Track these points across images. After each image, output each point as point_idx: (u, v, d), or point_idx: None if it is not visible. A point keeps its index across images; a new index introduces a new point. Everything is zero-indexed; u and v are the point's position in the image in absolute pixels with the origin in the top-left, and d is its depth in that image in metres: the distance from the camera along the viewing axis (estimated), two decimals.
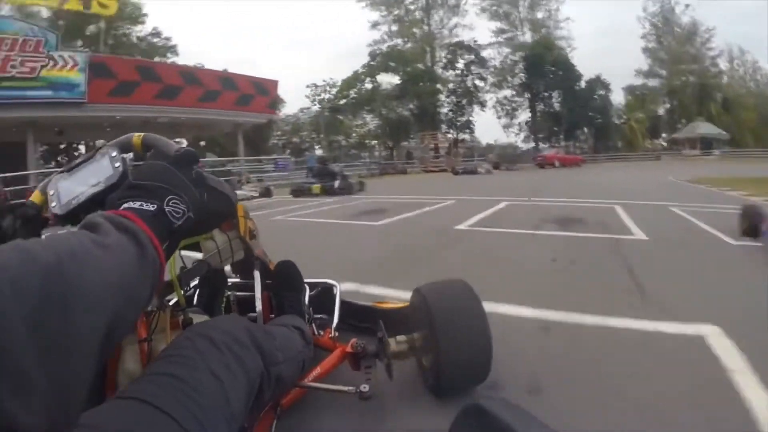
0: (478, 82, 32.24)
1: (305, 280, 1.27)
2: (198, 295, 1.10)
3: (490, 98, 32.59)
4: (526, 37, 32.29)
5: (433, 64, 33.12)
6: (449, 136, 27.81)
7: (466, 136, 31.67)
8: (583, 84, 30.13)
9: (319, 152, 30.99)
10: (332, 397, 1.07)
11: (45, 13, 18.55)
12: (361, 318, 1.44)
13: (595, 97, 30.04)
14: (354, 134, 36.33)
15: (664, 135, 33.02)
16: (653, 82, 32.89)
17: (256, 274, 1.06)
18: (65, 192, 0.63)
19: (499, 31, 32.67)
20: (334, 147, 34.55)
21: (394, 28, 33.96)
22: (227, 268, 1.06)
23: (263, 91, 21.28)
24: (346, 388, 0.97)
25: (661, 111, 33.02)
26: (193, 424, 0.50)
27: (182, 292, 0.83)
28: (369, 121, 36.25)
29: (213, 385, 0.56)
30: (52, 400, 0.30)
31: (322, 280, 1.48)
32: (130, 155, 0.76)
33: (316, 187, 9.37)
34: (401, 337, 1.15)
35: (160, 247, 0.47)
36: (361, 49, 53.66)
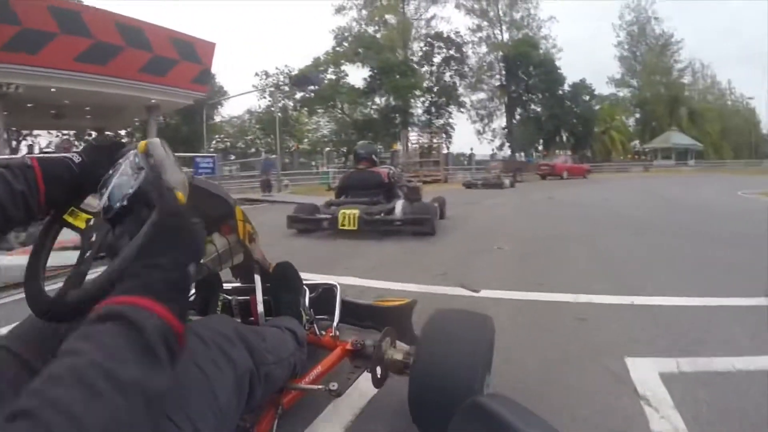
0: (457, 80, 28.88)
1: (306, 282, 1.27)
2: (194, 298, 1.08)
3: (465, 101, 29.62)
4: (505, 36, 30.00)
5: (407, 57, 29.25)
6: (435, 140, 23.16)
7: (443, 142, 27.81)
8: (566, 88, 28.13)
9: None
10: (334, 398, 1.06)
11: None
12: (363, 317, 1.40)
13: (580, 102, 28.09)
14: (307, 137, 30.79)
15: (633, 145, 32.70)
16: (624, 92, 32.49)
17: (256, 278, 1.07)
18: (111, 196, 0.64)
19: (476, 29, 30.00)
20: (285, 152, 28.97)
21: (364, 12, 29.67)
22: (227, 273, 1.05)
23: (191, 56, 13.69)
24: (316, 387, 0.97)
25: (631, 121, 32.67)
26: (180, 416, 0.51)
27: None
28: (326, 121, 31.23)
29: (199, 379, 0.57)
30: None
31: (322, 281, 1.41)
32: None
33: (349, 216, 4.12)
34: (401, 345, 1.14)
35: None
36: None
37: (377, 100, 29.28)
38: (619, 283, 2.44)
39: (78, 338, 0.39)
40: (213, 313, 1.04)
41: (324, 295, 1.36)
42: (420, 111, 28.57)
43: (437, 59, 29.11)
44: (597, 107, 29.25)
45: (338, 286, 1.37)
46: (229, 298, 1.12)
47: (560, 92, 27.63)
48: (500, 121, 29.93)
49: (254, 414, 0.80)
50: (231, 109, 27.88)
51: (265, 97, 31.96)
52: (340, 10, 29.62)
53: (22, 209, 0.59)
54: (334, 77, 29.62)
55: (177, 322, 0.45)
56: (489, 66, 29.38)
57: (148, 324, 0.41)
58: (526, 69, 27.84)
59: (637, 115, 31.99)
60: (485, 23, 30.22)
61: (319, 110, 30.76)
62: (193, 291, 1.06)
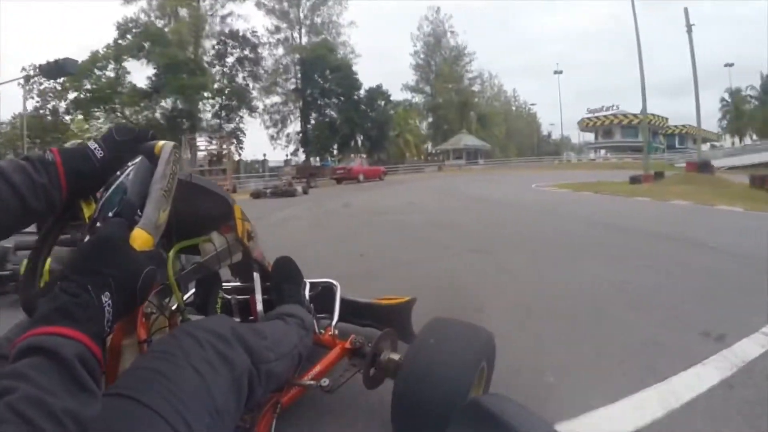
0: (251, 81, 27.57)
1: (307, 281, 1.28)
2: (193, 297, 1.11)
3: (258, 105, 28.59)
4: (303, 39, 29.80)
5: (198, 55, 26.94)
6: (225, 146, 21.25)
7: (230, 147, 26.15)
8: (362, 93, 28.97)
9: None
10: (332, 396, 1.04)
11: None
12: (362, 315, 1.45)
13: (375, 107, 29.19)
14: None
15: (427, 147, 35.61)
16: (418, 97, 35.09)
17: (255, 276, 1.08)
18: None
19: (275, 30, 29.20)
20: None
21: (155, 2, 26.53)
22: (226, 272, 1.07)
23: None
24: (308, 383, 0.95)
25: (424, 125, 35.48)
26: (175, 417, 0.52)
27: (181, 294, 0.82)
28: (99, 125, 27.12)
29: (194, 380, 0.58)
30: None
31: (322, 279, 1.42)
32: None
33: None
34: (395, 356, 1.04)
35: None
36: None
37: (163, 102, 26.37)
38: None
39: (8, 377, 0.40)
40: (212, 312, 1.07)
41: (323, 293, 1.37)
42: (210, 115, 26.50)
43: (230, 59, 27.44)
44: (392, 112, 30.92)
45: (338, 285, 1.38)
46: (228, 297, 1.15)
47: (356, 97, 28.44)
48: (295, 126, 29.83)
49: (253, 413, 0.79)
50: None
51: (32, 98, 26.59)
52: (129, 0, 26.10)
53: (44, 201, 0.59)
54: (113, 75, 25.89)
55: (95, 345, 0.45)
56: (285, 69, 28.85)
57: (67, 352, 0.42)
58: (323, 73, 27.98)
59: (430, 119, 35.02)
60: (284, 25, 29.64)
61: (96, 113, 26.58)
62: (192, 290, 1.13)
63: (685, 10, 15.97)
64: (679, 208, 6.49)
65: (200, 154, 21.83)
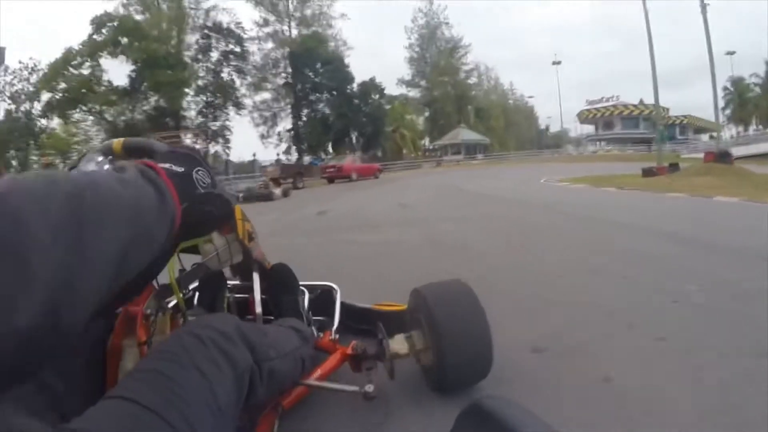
0: (236, 77, 26.13)
1: (306, 283, 1.30)
2: (199, 298, 1.11)
3: (247, 102, 27.27)
4: (293, 32, 28.43)
5: (180, 50, 25.51)
6: (198, 141, 19.82)
7: (219, 148, 24.76)
8: (355, 87, 27.68)
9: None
10: (334, 398, 1.08)
11: None
12: (361, 320, 1.44)
13: (369, 102, 27.87)
14: (76, 150, 24.69)
15: (424, 142, 34.41)
16: (414, 92, 33.83)
17: (255, 276, 1.08)
18: None
19: (264, 23, 27.82)
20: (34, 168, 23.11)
21: None
22: (226, 270, 1.07)
23: None
24: (350, 388, 0.96)
25: (421, 120, 34.21)
26: (177, 419, 0.51)
27: (181, 295, 0.83)
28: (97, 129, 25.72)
29: (198, 380, 0.56)
30: (54, 293, 0.32)
31: (321, 282, 1.45)
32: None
33: None
34: (399, 337, 1.14)
35: (179, 204, 0.49)
36: None
37: (145, 101, 24.96)
38: None
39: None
40: (220, 310, 1.07)
41: (322, 297, 1.39)
42: (194, 113, 25.10)
43: (215, 54, 26.02)
44: (387, 107, 29.66)
45: (338, 289, 1.39)
46: (228, 295, 1.14)
47: (349, 90, 27.11)
48: (285, 123, 28.57)
49: (255, 414, 0.79)
50: None
51: (4, 100, 25.08)
52: None
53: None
54: (87, 73, 24.42)
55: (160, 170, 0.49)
56: (274, 63, 27.50)
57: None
58: (314, 66, 26.69)
59: (427, 114, 33.69)
60: (273, 17, 28.28)
61: (74, 114, 25.17)
62: (192, 286, 1.09)
63: None
64: (730, 206, 5.37)
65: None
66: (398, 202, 7.31)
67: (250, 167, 24.21)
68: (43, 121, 25.27)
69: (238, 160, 25.14)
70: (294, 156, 27.26)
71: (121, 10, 25.41)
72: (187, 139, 20.00)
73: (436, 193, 9.15)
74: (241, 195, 11.78)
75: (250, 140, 49.84)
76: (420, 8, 33.73)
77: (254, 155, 24.70)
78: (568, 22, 71.24)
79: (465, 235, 3.96)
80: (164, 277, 0.74)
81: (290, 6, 28.70)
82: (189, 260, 0.85)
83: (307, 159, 26.18)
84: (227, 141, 25.23)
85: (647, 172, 10.95)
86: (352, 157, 20.44)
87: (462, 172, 18.63)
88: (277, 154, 27.16)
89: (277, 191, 12.26)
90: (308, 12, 29.11)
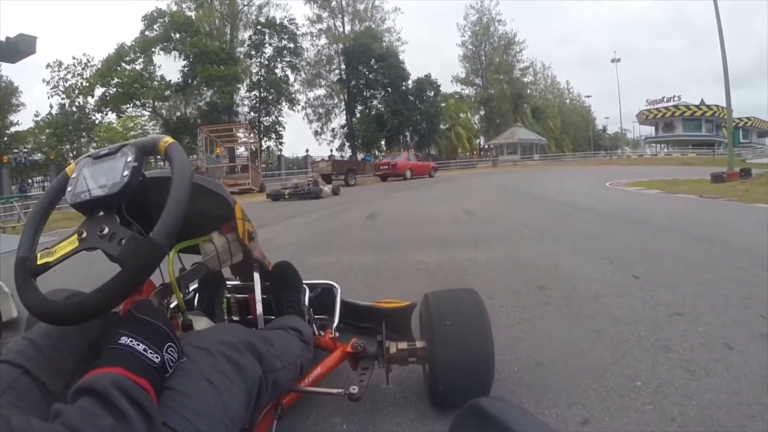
0: (289, 73, 25.30)
1: (306, 282, 1.25)
2: (198, 298, 1.10)
3: (301, 98, 26.30)
4: (346, 28, 27.53)
5: (233, 46, 24.91)
6: (250, 135, 18.66)
7: (272, 143, 23.79)
8: (410, 84, 26.38)
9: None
10: (333, 398, 1.04)
11: None
12: (362, 318, 1.43)
13: (424, 98, 26.47)
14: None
15: (479, 141, 32.67)
16: (468, 90, 32.23)
17: (256, 276, 1.06)
18: (81, 182, 0.63)
19: (317, 19, 27.02)
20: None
21: None
22: (227, 270, 1.05)
23: None
24: (335, 391, 0.95)
25: (476, 118, 32.58)
26: (189, 429, 0.52)
27: (181, 294, 0.82)
28: (153, 124, 25.35)
29: (209, 392, 0.57)
30: None
31: (322, 281, 1.43)
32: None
33: None
34: (402, 344, 1.10)
35: (156, 398, 0.52)
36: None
37: (199, 96, 24.40)
38: None
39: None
40: (218, 311, 1.06)
41: (323, 295, 1.38)
42: (247, 108, 24.31)
43: (269, 50, 25.26)
44: (443, 104, 28.19)
45: (338, 287, 1.37)
46: (228, 296, 1.12)
47: (404, 87, 25.83)
48: (339, 120, 27.47)
49: (254, 415, 0.80)
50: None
51: (58, 95, 25.04)
52: None
53: None
54: (139, 68, 24.08)
55: (138, 378, 0.49)
56: (328, 59, 26.55)
57: (104, 381, 0.46)
58: (368, 62, 25.55)
59: (482, 112, 32.01)
60: (326, 13, 27.45)
61: (127, 109, 24.87)
62: (192, 287, 1.12)
63: None
64: None
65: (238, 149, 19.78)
66: (462, 208, 5.92)
67: (303, 163, 23.20)
68: (98, 115, 25.15)
69: (292, 156, 24.14)
70: (347, 153, 26.14)
71: (174, 7, 25.18)
72: (239, 133, 19.34)
73: (501, 197, 7.83)
74: (287, 192, 10.81)
75: (304, 136, 49.64)
76: (471, 5, 32.37)
77: (307, 151, 23.64)
78: (628, 18, 67.63)
79: (575, 269, 2.48)
80: (165, 276, 0.72)
81: (343, 1, 27.84)
82: (189, 260, 0.85)
83: (360, 156, 24.94)
84: (280, 137, 24.33)
85: (717, 178, 9.57)
86: (407, 154, 18.96)
87: (521, 173, 17.07)
88: (331, 150, 26.11)
89: (327, 188, 11.12)
90: (361, 7, 28.18)
